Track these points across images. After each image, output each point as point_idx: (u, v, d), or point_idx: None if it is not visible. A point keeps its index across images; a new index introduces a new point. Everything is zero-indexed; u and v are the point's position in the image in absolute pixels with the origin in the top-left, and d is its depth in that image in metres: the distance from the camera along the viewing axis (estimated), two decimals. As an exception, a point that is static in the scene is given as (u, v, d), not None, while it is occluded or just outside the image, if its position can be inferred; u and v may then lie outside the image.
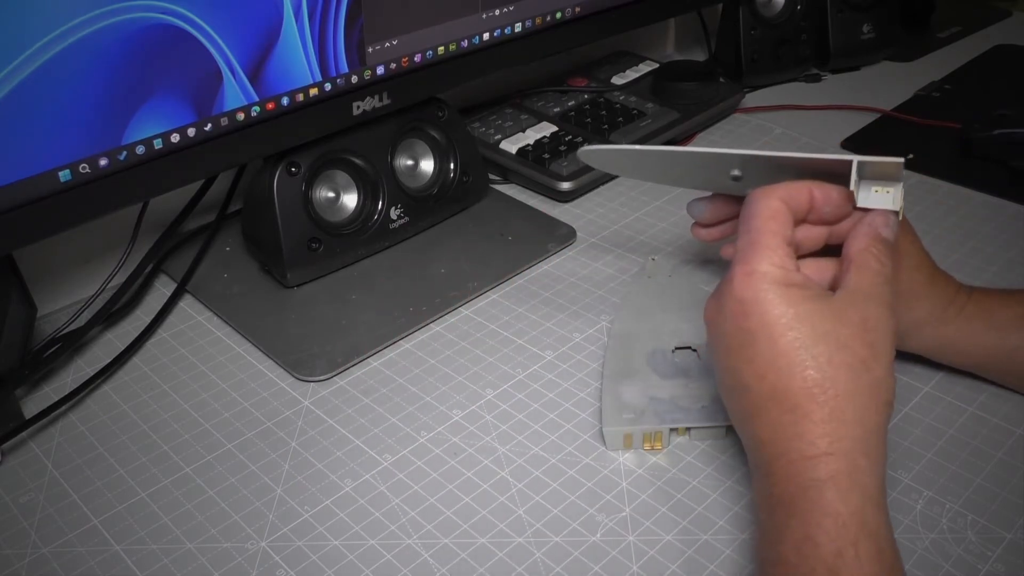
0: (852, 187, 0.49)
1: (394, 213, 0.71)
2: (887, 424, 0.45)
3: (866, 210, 0.49)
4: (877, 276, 0.47)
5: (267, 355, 0.64)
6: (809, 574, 0.40)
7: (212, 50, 0.57)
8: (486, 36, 0.72)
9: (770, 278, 0.45)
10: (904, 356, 0.62)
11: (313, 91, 0.63)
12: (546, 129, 0.85)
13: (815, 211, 0.49)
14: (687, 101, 0.90)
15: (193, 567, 0.49)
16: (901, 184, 0.49)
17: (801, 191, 0.49)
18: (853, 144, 0.88)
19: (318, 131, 0.66)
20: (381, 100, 0.67)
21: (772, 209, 0.48)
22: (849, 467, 0.42)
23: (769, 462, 0.44)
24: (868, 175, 0.49)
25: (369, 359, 0.63)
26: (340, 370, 0.62)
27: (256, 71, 0.60)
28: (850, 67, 1.03)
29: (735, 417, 0.48)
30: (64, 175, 0.54)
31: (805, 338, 0.44)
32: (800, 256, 0.49)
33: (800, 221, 0.49)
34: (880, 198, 0.49)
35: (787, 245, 0.47)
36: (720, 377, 0.48)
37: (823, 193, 0.49)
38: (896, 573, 0.41)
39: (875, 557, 0.40)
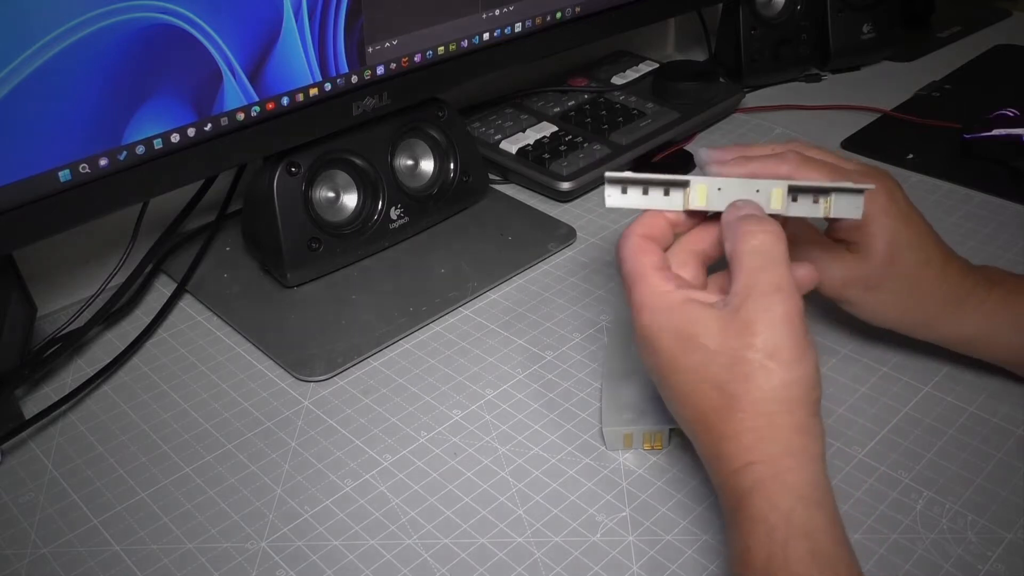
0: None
1: (394, 213, 0.71)
2: (812, 414, 0.44)
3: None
4: (757, 257, 0.45)
5: (267, 355, 0.64)
6: None
7: (212, 50, 0.57)
8: (486, 36, 0.72)
9: (654, 309, 0.46)
10: (904, 356, 0.62)
11: (313, 91, 0.63)
12: (546, 129, 0.85)
13: (679, 226, 0.50)
14: (687, 101, 0.90)
15: (193, 567, 0.49)
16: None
17: (655, 218, 0.49)
18: (853, 144, 0.88)
19: (318, 131, 0.66)
20: (381, 100, 0.67)
21: (633, 246, 0.48)
22: (773, 471, 0.42)
23: (714, 479, 0.45)
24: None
25: (369, 359, 0.63)
26: (340, 370, 0.62)
27: (256, 71, 0.60)
28: (850, 67, 1.03)
29: (689, 436, 0.49)
30: (64, 175, 0.54)
31: (700, 362, 0.44)
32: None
33: (669, 239, 0.50)
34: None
35: (660, 270, 0.47)
36: (667, 404, 0.49)
37: (675, 214, 0.49)
38: (838, 567, 0.40)
39: (806, 557, 0.40)
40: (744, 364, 0.43)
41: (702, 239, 0.49)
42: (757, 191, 0.49)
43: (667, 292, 0.46)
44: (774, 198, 0.49)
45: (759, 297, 0.44)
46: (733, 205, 0.48)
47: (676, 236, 0.50)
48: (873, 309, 0.56)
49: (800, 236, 0.55)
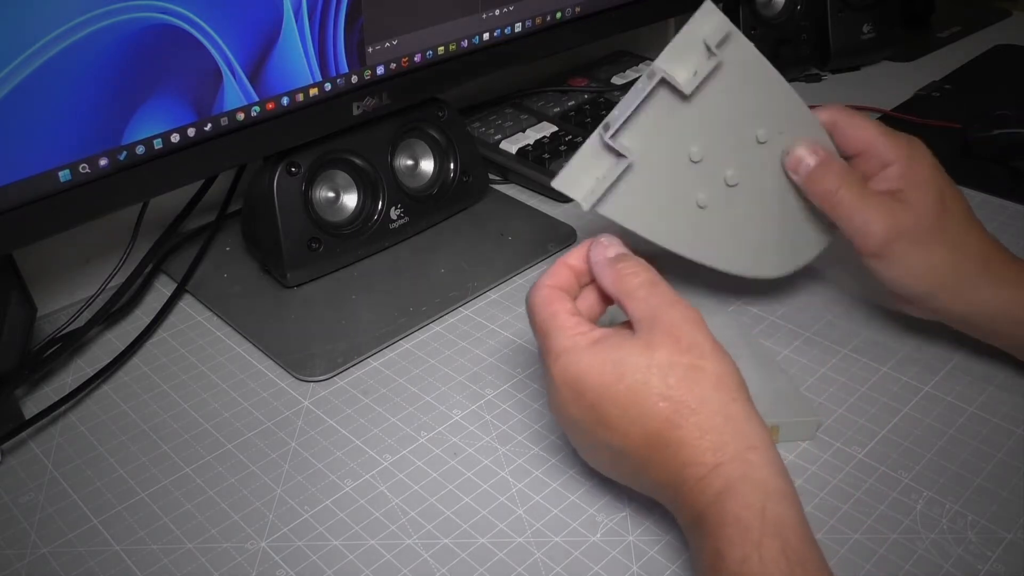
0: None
1: (394, 213, 0.71)
2: (752, 406, 0.45)
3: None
4: (645, 289, 0.48)
5: (267, 355, 0.64)
6: None
7: (212, 50, 0.57)
8: (486, 36, 0.72)
9: (574, 351, 0.47)
10: (904, 356, 0.62)
11: (313, 91, 0.63)
12: (546, 129, 0.85)
13: (583, 276, 0.51)
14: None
15: (193, 567, 0.49)
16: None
17: (560, 269, 0.51)
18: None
19: (318, 131, 0.66)
20: (381, 100, 0.67)
21: (543, 297, 0.49)
22: (742, 468, 0.43)
23: (674, 496, 0.45)
24: None
25: (369, 359, 0.63)
26: (340, 370, 0.62)
27: (256, 71, 0.60)
28: (850, 67, 1.03)
29: (629, 479, 0.49)
30: (64, 175, 0.54)
31: (636, 382, 0.45)
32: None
33: (576, 289, 0.51)
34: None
35: (573, 316, 0.48)
36: (596, 457, 0.50)
37: (578, 261, 0.51)
38: (805, 565, 0.40)
39: (779, 555, 0.40)
40: (679, 368, 0.45)
41: (593, 298, 0.51)
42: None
43: (584, 333, 0.48)
44: None
45: (667, 311, 0.47)
46: (597, 243, 0.51)
47: (580, 287, 0.52)
48: (914, 267, 0.55)
49: (840, 190, 0.55)
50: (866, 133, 0.57)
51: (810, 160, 0.56)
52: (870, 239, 0.55)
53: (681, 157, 0.57)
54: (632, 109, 0.55)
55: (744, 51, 0.56)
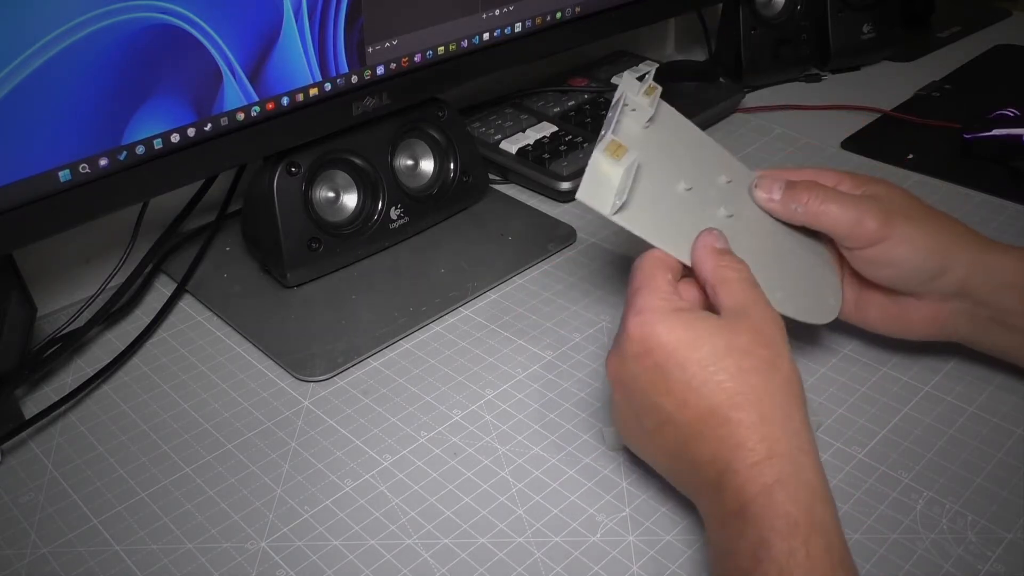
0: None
1: (394, 213, 0.71)
2: (807, 418, 0.46)
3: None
4: (741, 283, 0.49)
5: (267, 355, 0.64)
6: None
7: (212, 50, 0.57)
8: (486, 36, 0.72)
9: (660, 311, 0.47)
10: (904, 356, 0.62)
11: (313, 91, 0.63)
12: (546, 129, 0.85)
13: (679, 273, 0.52)
14: (687, 101, 0.89)
15: (193, 567, 0.49)
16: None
17: (671, 257, 0.52)
18: (853, 144, 0.88)
19: (318, 131, 0.66)
20: (381, 100, 0.67)
21: (652, 261, 0.51)
22: (793, 466, 0.43)
23: (717, 479, 0.45)
24: None
25: (369, 359, 0.63)
26: (340, 370, 0.62)
27: (256, 71, 0.60)
28: (850, 67, 1.03)
29: (664, 455, 0.49)
30: (64, 175, 0.54)
31: (710, 355, 0.46)
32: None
33: (678, 275, 0.52)
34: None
35: (671, 285, 0.50)
36: (638, 423, 0.49)
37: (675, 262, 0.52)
38: (845, 565, 0.41)
39: (824, 553, 0.41)
40: (755, 359, 0.46)
41: (695, 289, 0.52)
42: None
43: (673, 299, 0.48)
44: None
45: (757, 307, 0.48)
46: (707, 232, 0.52)
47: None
48: (920, 241, 0.54)
49: (820, 197, 0.55)
50: (813, 219, 0.56)
51: (776, 188, 0.57)
52: (867, 226, 0.54)
53: (676, 177, 0.57)
54: (615, 118, 0.56)
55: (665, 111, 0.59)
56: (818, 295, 0.57)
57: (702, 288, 0.51)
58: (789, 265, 0.57)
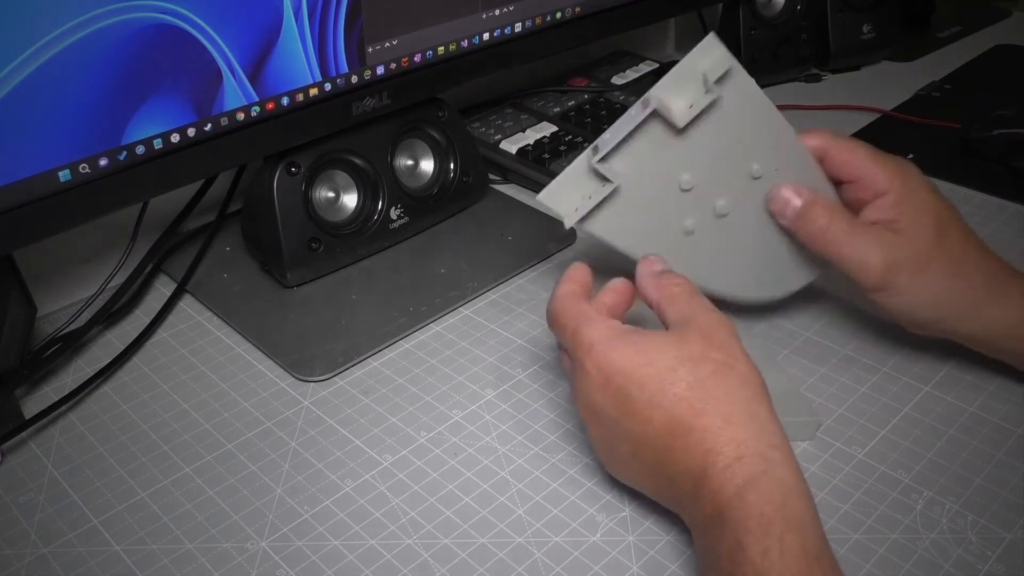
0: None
1: (394, 213, 0.72)
2: (773, 411, 0.46)
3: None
4: (684, 296, 0.50)
5: (267, 355, 0.64)
6: None
7: (212, 50, 0.57)
8: (486, 36, 0.72)
9: (608, 339, 0.48)
10: (904, 356, 0.62)
11: (313, 91, 0.63)
12: (546, 129, 0.85)
13: (588, 289, 0.53)
14: (687, 101, 0.90)
15: (193, 567, 0.49)
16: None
17: (578, 269, 0.53)
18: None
19: (318, 131, 0.66)
20: (381, 100, 0.67)
21: (564, 300, 0.51)
22: (764, 464, 0.43)
23: (693, 488, 0.45)
24: None
25: (369, 359, 0.63)
26: (340, 370, 0.62)
27: (256, 71, 0.60)
28: (850, 67, 1.03)
29: (646, 476, 0.49)
30: (64, 175, 0.54)
31: (664, 368, 0.46)
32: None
33: (588, 296, 0.53)
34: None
35: (601, 311, 0.50)
36: (616, 452, 0.50)
37: (581, 276, 0.53)
38: (821, 560, 0.41)
39: (799, 550, 0.41)
40: (708, 363, 0.46)
41: (616, 297, 0.52)
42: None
43: (614, 324, 0.49)
44: None
45: (703, 315, 0.49)
46: (645, 260, 0.53)
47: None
48: (920, 296, 0.54)
49: (831, 228, 0.55)
50: (857, 160, 0.56)
51: (796, 201, 0.56)
52: (869, 273, 0.54)
53: (671, 184, 0.56)
54: (623, 136, 0.54)
55: (745, 87, 0.55)
56: (794, 273, 0.61)
57: (619, 290, 0.52)
58: (773, 253, 0.59)
